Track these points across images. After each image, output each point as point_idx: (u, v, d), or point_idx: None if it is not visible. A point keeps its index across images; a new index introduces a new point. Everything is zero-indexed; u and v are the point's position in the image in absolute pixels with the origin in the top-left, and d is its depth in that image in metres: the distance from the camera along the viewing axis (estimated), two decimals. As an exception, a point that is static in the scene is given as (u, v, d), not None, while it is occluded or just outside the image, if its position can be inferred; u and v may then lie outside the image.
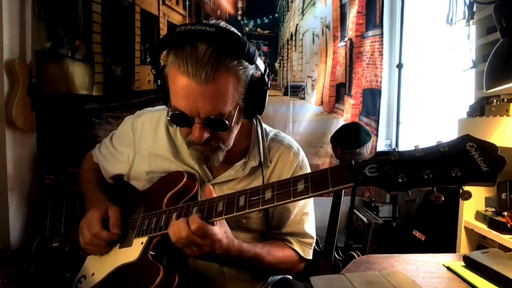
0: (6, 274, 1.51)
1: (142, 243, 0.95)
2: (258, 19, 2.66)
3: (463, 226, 1.59)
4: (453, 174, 0.60)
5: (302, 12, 2.70)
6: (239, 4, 2.62)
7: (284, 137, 1.14)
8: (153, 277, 0.87)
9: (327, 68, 2.75)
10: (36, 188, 2.33)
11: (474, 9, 1.65)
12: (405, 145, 2.77)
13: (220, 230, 0.87)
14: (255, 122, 1.07)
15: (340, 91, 2.77)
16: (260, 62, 0.91)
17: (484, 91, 1.19)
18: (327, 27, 2.72)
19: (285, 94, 2.73)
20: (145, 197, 1.07)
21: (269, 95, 0.96)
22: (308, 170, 1.14)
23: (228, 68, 0.83)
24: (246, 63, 0.87)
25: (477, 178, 0.59)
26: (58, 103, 2.34)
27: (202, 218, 0.84)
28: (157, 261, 0.91)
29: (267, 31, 2.68)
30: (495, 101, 1.50)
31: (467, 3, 1.71)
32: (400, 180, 0.63)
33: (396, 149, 0.66)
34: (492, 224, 1.44)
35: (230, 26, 0.90)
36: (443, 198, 0.61)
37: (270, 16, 2.67)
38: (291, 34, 2.71)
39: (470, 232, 1.58)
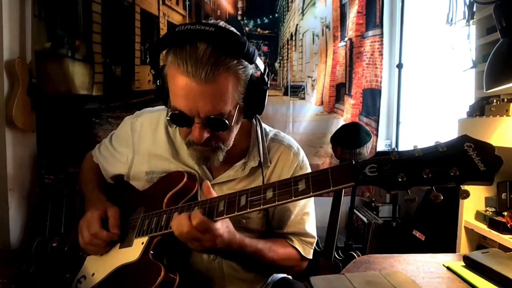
0: (6, 274, 1.51)
1: (142, 243, 0.95)
2: (258, 19, 2.66)
3: (463, 226, 1.59)
4: (452, 174, 0.61)
5: (302, 12, 2.70)
6: (239, 4, 2.62)
7: (284, 137, 1.14)
8: (154, 277, 0.87)
9: (327, 68, 2.75)
10: (36, 188, 2.33)
11: (474, 9, 1.65)
12: (405, 145, 2.77)
13: (222, 225, 0.87)
14: (255, 122, 1.07)
15: (340, 91, 2.78)
16: (259, 62, 0.91)
17: (484, 91, 1.19)
18: (327, 27, 2.73)
19: (285, 94, 2.73)
20: (145, 197, 1.07)
21: (269, 95, 0.96)
22: (308, 170, 1.14)
23: (227, 68, 0.83)
24: (246, 63, 0.87)
25: (475, 177, 0.60)
26: (58, 103, 2.34)
27: (204, 213, 0.84)
28: (158, 261, 0.91)
29: (267, 31, 2.68)
30: (495, 101, 1.50)
31: (467, 3, 1.71)
32: (400, 180, 0.64)
33: (396, 149, 0.67)
34: (492, 224, 1.44)
35: (230, 26, 0.90)
36: (442, 197, 0.62)
37: (270, 16, 2.67)
38: (291, 34, 2.72)
39: (470, 232, 1.58)
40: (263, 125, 1.11)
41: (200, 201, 0.92)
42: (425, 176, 0.62)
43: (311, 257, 1.13)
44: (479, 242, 1.60)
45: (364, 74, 2.75)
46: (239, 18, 2.63)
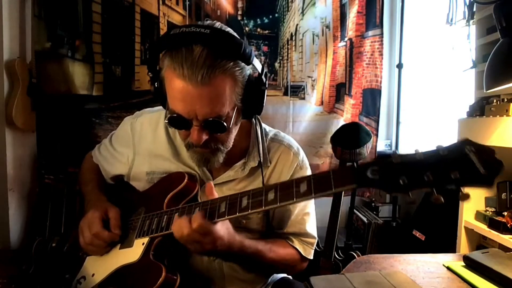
0: (6, 274, 1.51)
1: (143, 243, 0.95)
2: (258, 19, 2.66)
3: (463, 226, 1.59)
4: (453, 177, 0.61)
5: (302, 12, 2.70)
6: (239, 4, 2.62)
7: (283, 137, 1.14)
8: (155, 277, 0.87)
9: (327, 68, 2.75)
10: (36, 188, 2.33)
11: (474, 9, 1.65)
12: (405, 145, 2.77)
13: (222, 227, 0.87)
14: (255, 122, 1.07)
15: (340, 91, 2.77)
16: (257, 62, 0.90)
17: (484, 91, 1.19)
18: (327, 27, 2.72)
19: (285, 94, 2.73)
20: (146, 198, 1.07)
21: (269, 95, 0.96)
22: (308, 170, 1.14)
23: (224, 70, 0.83)
24: (243, 64, 0.87)
25: (475, 180, 0.60)
26: (58, 103, 2.34)
27: (204, 216, 0.84)
28: (159, 262, 0.91)
29: (267, 31, 2.68)
30: (495, 101, 1.50)
31: (467, 3, 1.71)
32: (401, 182, 0.64)
33: (397, 151, 0.67)
34: (492, 224, 1.44)
35: (226, 27, 0.90)
36: (442, 200, 0.62)
37: (270, 16, 2.67)
38: (291, 34, 2.71)
39: (470, 232, 1.58)
40: (263, 125, 1.11)
41: (201, 202, 0.92)
42: (426, 179, 0.62)
43: (311, 257, 1.13)
44: (479, 242, 1.60)
45: (364, 74, 2.75)
46: (239, 18, 2.63)
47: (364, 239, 2.43)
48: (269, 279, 1.17)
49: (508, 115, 1.38)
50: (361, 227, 2.51)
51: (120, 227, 1.00)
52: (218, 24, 0.88)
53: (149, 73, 0.93)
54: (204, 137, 0.89)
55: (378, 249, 2.37)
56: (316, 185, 0.74)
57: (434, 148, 0.65)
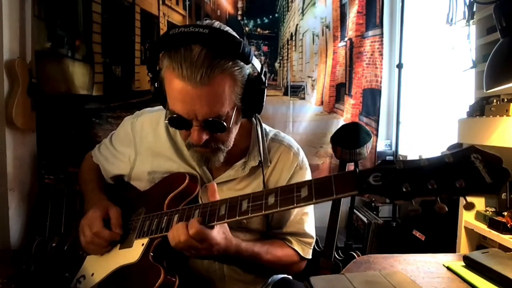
0: (6, 274, 1.51)
1: (142, 244, 0.95)
2: (258, 19, 2.66)
3: (463, 226, 1.59)
4: (458, 185, 0.60)
5: (302, 12, 2.70)
6: (239, 4, 2.62)
7: (284, 137, 1.14)
8: (153, 279, 0.87)
9: (327, 68, 2.75)
10: (36, 188, 2.33)
11: (474, 9, 1.65)
12: (405, 145, 2.77)
13: (219, 233, 0.87)
14: (255, 122, 1.07)
15: (340, 91, 2.77)
16: (256, 62, 0.90)
17: (484, 91, 1.19)
18: (327, 27, 2.72)
19: (285, 94, 2.73)
20: (146, 198, 1.07)
21: (269, 95, 0.97)
22: (308, 170, 1.14)
23: (223, 69, 0.83)
24: (242, 63, 0.87)
25: (481, 189, 0.59)
26: (58, 103, 2.34)
27: (202, 221, 0.85)
28: (158, 263, 0.91)
29: (267, 31, 2.68)
30: (495, 101, 1.50)
31: (467, 3, 1.70)
32: (404, 190, 0.63)
33: (399, 154, 0.67)
34: (492, 224, 1.44)
35: (225, 26, 0.90)
36: (446, 209, 0.61)
37: (270, 16, 2.67)
38: (291, 34, 2.71)
39: (470, 232, 1.58)
40: (263, 125, 1.11)
41: (202, 204, 0.92)
42: (430, 187, 0.61)
43: (310, 257, 1.13)
44: (479, 242, 1.60)
45: (364, 74, 2.75)
46: (239, 18, 2.63)
47: (364, 239, 2.43)
48: (269, 279, 1.17)
49: (508, 115, 1.38)
50: (361, 227, 2.51)
51: (121, 227, 1.00)
52: (217, 24, 0.88)
53: (149, 74, 0.93)
54: (204, 137, 0.89)
55: (378, 249, 2.37)
56: (317, 190, 0.74)
57: (439, 154, 0.64)
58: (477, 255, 0.98)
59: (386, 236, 2.38)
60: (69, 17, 2.34)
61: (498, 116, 1.42)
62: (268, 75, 0.96)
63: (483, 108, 1.54)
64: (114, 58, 2.44)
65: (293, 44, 2.72)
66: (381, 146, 2.81)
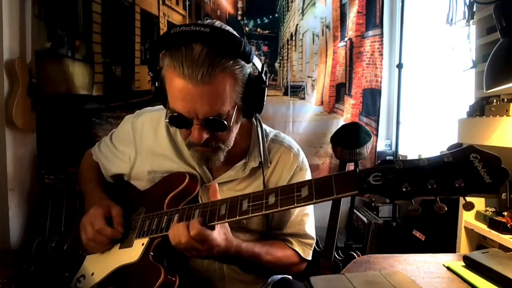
0: (6, 274, 1.51)
1: (143, 244, 0.95)
2: (258, 19, 2.66)
3: (463, 226, 1.59)
4: (457, 185, 0.60)
5: (302, 12, 2.70)
6: (239, 4, 2.62)
7: (284, 138, 1.14)
8: (154, 279, 0.87)
9: (327, 68, 2.75)
10: (36, 188, 2.33)
11: (474, 9, 1.65)
12: (405, 145, 2.77)
13: (219, 234, 0.87)
14: (255, 123, 1.07)
15: (340, 91, 2.77)
16: (257, 61, 0.90)
17: (484, 91, 1.19)
18: (327, 27, 2.72)
19: (285, 94, 2.73)
20: (146, 197, 1.07)
21: (269, 95, 0.97)
22: (308, 171, 1.14)
23: (224, 68, 0.83)
24: (243, 62, 0.87)
25: (480, 189, 0.60)
26: (58, 103, 2.34)
27: (203, 222, 0.85)
28: (158, 263, 0.91)
29: (267, 31, 2.68)
30: (495, 101, 1.50)
31: (467, 3, 1.70)
32: (404, 189, 0.64)
33: (399, 154, 0.67)
34: (492, 224, 1.44)
35: (225, 25, 0.90)
36: (446, 209, 0.61)
37: (270, 16, 2.67)
38: (291, 34, 2.71)
39: (470, 232, 1.58)
40: (264, 125, 1.11)
41: (202, 204, 0.92)
42: (429, 186, 0.62)
43: (310, 258, 1.13)
44: (479, 242, 1.60)
45: (364, 74, 2.75)
46: (239, 18, 2.63)
47: (364, 239, 2.43)
48: (269, 279, 1.17)
49: (508, 115, 1.38)
50: (361, 227, 2.51)
51: (123, 225, 1.00)
52: (218, 23, 0.88)
53: (150, 73, 0.93)
54: (205, 136, 0.89)
55: (378, 249, 2.37)
56: (318, 190, 0.74)
57: (438, 154, 0.64)
58: (477, 255, 0.98)
59: (386, 236, 2.38)
60: (69, 17, 2.33)
61: (498, 116, 1.42)
62: (268, 74, 0.96)
63: (483, 108, 1.54)
64: (114, 58, 2.44)
65: (293, 44, 2.72)
66: (381, 146, 2.81)
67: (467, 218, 1.58)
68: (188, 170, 1.05)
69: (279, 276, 1.20)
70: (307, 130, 2.73)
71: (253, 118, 1.05)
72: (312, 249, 1.14)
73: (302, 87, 2.75)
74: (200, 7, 2.56)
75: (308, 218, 1.12)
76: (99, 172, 1.21)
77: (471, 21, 1.66)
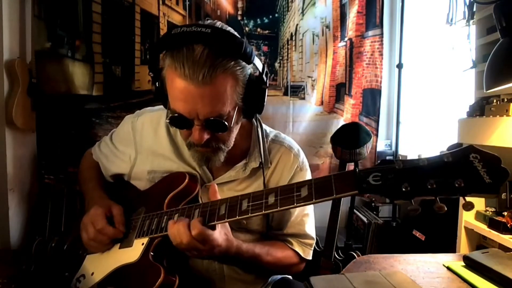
0: (6, 274, 1.51)
1: (142, 243, 0.95)
2: (258, 19, 2.66)
3: (463, 226, 1.59)
4: (457, 185, 0.60)
5: (302, 12, 2.70)
6: (239, 4, 2.62)
7: (284, 138, 1.14)
8: (153, 278, 0.87)
9: (327, 68, 2.75)
10: (36, 188, 2.33)
11: (474, 9, 1.65)
12: (405, 145, 2.77)
13: (220, 234, 0.87)
14: (256, 123, 1.07)
15: (340, 91, 2.77)
16: (258, 61, 0.90)
17: (484, 91, 1.19)
18: (327, 27, 2.72)
19: (285, 94, 2.73)
20: (146, 197, 1.07)
21: (269, 95, 0.96)
22: (308, 172, 1.14)
23: (225, 69, 0.83)
24: (244, 63, 0.87)
25: (480, 189, 0.60)
26: (58, 103, 2.34)
27: (203, 222, 0.84)
28: (158, 262, 0.91)
29: (267, 31, 2.68)
30: (495, 101, 1.50)
31: (467, 3, 1.70)
32: (403, 189, 0.64)
33: (398, 154, 0.67)
34: (492, 224, 1.44)
35: (226, 26, 0.90)
36: (446, 209, 0.61)
37: (270, 16, 2.67)
38: (291, 34, 2.71)
39: (470, 232, 1.58)
40: (264, 126, 1.11)
41: (202, 203, 0.92)
42: (429, 186, 0.62)
43: (310, 258, 1.13)
44: (479, 242, 1.60)
45: (364, 74, 2.75)
46: (239, 18, 2.63)
47: (364, 239, 2.43)
48: (269, 279, 1.17)
49: (508, 115, 1.38)
50: (361, 227, 2.51)
51: (124, 224, 1.00)
52: (219, 24, 0.88)
53: (150, 73, 0.93)
54: (206, 136, 0.89)
55: (378, 249, 2.37)
56: (317, 190, 0.74)
57: (438, 154, 0.64)
58: (477, 255, 0.98)
59: (386, 236, 2.39)
60: (69, 17, 2.34)
61: (498, 116, 1.42)
62: (269, 75, 0.96)
63: (483, 108, 1.54)
64: (114, 58, 2.44)
65: (293, 44, 2.72)
66: (381, 146, 2.81)
67: (467, 218, 1.58)
68: (188, 170, 1.05)
69: (279, 276, 1.20)
70: (307, 130, 2.73)
71: (253, 119, 1.05)
72: (312, 249, 1.14)
73: (302, 87, 2.75)
74: (200, 7, 2.56)
75: (308, 218, 1.12)
76: (99, 172, 1.21)
77: (471, 21, 1.66)
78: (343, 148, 1.89)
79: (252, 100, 0.92)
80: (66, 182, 2.29)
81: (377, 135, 2.76)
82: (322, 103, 2.77)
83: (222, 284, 1.07)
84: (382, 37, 2.72)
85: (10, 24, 2.13)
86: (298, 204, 0.75)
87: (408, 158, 0.67)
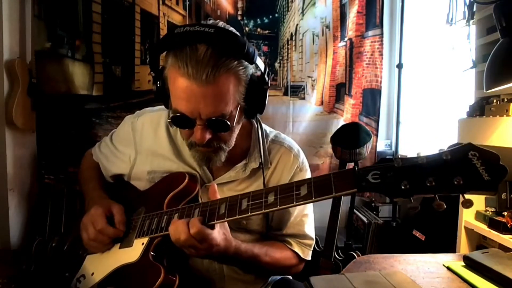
0: (6, 274, 1.51)
1: (142, 243, 0.95)
2: (258, 19, 2.66)
3: (463, 226, 1.59)
4: (455, 183, 0.60)
5: (302, 12, 2.70)
6: (239, 4, 2.62)
7: (284, 139, 1.14)
8: (153, 278, 0.87)
9: (327, 68, 2.75)
10: (36, 188, 2.33)
11: (474, 9, 1.65)
12: (405, 145, 2.77)
13: (219, 233, 0.87)
14: (256, 124, 1.07)
15: (340, 91, 2.77)
16: (260, 62, 0.91)
17: (484, 91, 1.19)
18: (327, 27, 2.72)
19: (285, 94, 2.73)
20: (146, 197, 1.07)
21: (269, 95, 0.97)
22: (308, 172, 1.14)
23: (228, 69, 0.83)
24: (246, 63, 0.87)
25: (479, 187, 0.60)
26: (58, 103, 2.34)
27: (203, 221, 0.84)
28: (158, 262, 0.91)
29: (267, 31, 2.68)
30: (495, 101, 1.50)
31: (467, 3, 1.70)
32: (403, 187, 0.64)
33: (397, 152, 0.67)
34: (492, 224, 1.44)
35: (229, 26, 0.90)
36: (445, 206, 0.62)
37: (270, 16, 2.67)
38: (291, 34, 2.71)
39: (470, 232, 1.58)
40: (264, 126, 1.11)
41: (201, 203, 0.92)
42: (428, 184, 0.62)
43: (309, 259, 1.13)
44: (479, 242, 1.60)
45: (364, 74, 2.75)
46: (239, 18, 2.63)
47: (364, 239, 2.43)
48: (269, 279, 1.17)
49: (508, 115, 1.38)
50: (361, 227, 2.51)
51: (124, 224, 1.00)
52: (221, 24, 0.88)
53: (152, 73, 0.93)
54: (208, 136, 0.89)
55: (378, 249, 2.37)
56: (317, 189, 0.74)
57: (436, 151, 0.64)
58: (477, 255, 0.98)
59: (386, 236, 2.39)
60: (69, 17, 2.34)
61: (498, 116, 1.42)
62: (271, 75, 0.96)
63: (483, 108, 1.54)
64: (114, 58, 2.44)
65: (293, 44, 2.72)
66: (381, 146, 2.81)
67: (467, 218, 1.58)
68: (188, 170, 1.05)
69: (279, 276, 1.20)
70: (307, 130, 2.73)
71: (254, 119, 1.05)
72: (311, 249, 1.14)
73: (302, 87, 2.75)
74: (200, 7, 2.56)
75: (307, 219, 1.12)
76: (99, 172, 1.21)
77: (471, 21, 1.66)
78: (343, 148, 1.89)
79: (254, 100, 0.93)
80: (66, 182, 2.29)
81: (377, 135, 2.76)
82: (322, 103, 2.77)
83: (222, 284, 1.07)
84: (382, 37, 2.72)
85: (10, 24, 2.13)
86: (297, 203, 0.75)
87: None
